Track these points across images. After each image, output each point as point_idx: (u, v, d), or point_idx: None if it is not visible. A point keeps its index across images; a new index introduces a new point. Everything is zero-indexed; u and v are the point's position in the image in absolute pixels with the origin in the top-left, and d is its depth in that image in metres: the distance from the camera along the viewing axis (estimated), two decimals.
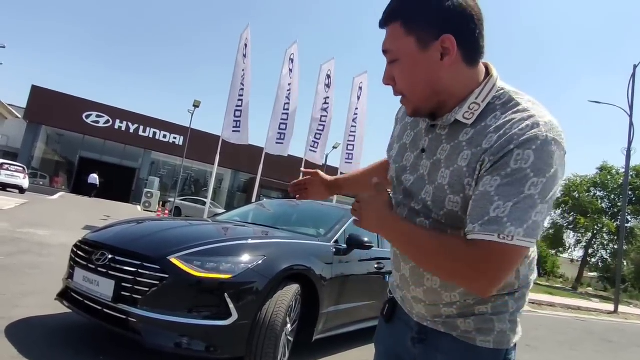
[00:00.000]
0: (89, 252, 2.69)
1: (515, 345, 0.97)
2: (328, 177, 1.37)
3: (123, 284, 2.43)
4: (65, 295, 2.79)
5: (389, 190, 1.05)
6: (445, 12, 0.82)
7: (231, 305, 2.44)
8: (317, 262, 3.12)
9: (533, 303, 12.73)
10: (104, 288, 2.47)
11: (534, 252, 0.99)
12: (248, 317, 2.51)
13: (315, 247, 3.32)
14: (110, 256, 2.54)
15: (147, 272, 2.42)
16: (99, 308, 2.48)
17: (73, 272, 2.73)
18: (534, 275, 1.00)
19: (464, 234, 0.83)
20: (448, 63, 0.84)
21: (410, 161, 0.97)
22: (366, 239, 3.58)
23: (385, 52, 0.89)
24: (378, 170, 1.25)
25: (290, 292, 2.79)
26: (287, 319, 2.76)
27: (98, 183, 24.24)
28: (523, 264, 0.96)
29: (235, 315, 2.44)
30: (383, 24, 0.88)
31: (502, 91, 0.87)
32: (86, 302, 2.56)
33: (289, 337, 2.89)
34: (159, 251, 2.52)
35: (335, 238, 3.55)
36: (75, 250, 2.85)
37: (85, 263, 2.65)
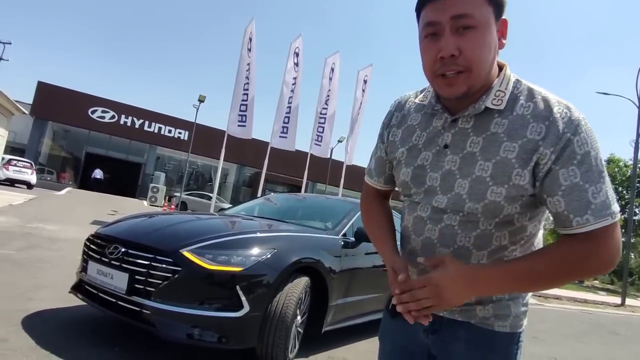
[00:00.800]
0: (102, 246, 2.73)
1: (524, 328, 1.00)
2: (397, 262, 1.00)
3: (136, 277, 2.46)
4: (79, 288, 2.84)
5: (402, 195, 1.05)
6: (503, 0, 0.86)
7: (243, 297, 2.48)
8: (326, 255, 3.15)
9: (539, 296, 12.71)
10: (118, 281, 2.51)
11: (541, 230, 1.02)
12: (259, 309, 2.55)
13: (324, 241, 3.35)
14: (123, 250, 2.58)
15: (160, 265, 2.46)
16: (113, 300, 2.52)
17: (87, 266, 2.78)
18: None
19: (558, 221, 0.85)
20: (502, 45, 0.88)
21: (428, 160, 0.96)
22: None
23: (460, 16, 0.82)
24: (383, 205, 1.18)
25: (300, 285, 2.81)
26: (297, 311, 2.79)
27: (103, 178, 24.44)
28: (539, 243, 1.00)
29: (246, 307, 2.48)
30: None
31: (518, 81, 0.91)
32: (100, 294, 2.60)
33: (299, 329, 2.92)
34: (171, 244, 2.56)
35: (343, 231, 3.57)
36: (88, 244, 2.89)
37: (98, 256, 2.69)
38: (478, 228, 0.92)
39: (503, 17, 0.87)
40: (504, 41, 0.88)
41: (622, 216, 26.69)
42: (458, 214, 0.92)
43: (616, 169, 30.99)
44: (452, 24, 0.82)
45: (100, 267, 2.63)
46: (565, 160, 0.82)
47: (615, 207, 0.83)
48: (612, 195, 0.83)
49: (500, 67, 0.92)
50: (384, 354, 1.16)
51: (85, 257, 2.85)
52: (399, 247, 1.07)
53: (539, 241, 1.00)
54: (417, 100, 1.02)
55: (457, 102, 0.90)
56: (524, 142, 0.84)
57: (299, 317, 2.85)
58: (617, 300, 15.39)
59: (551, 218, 0.88)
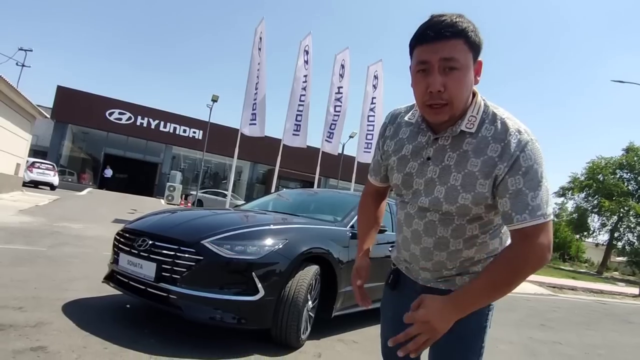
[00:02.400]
0: (131, 239, 3.02)
1: None
2: (361, 263, 1.41)
3: (163, 266, 2.75)
4: (111, 277, 3.14)
5: (395, 194, 1.30)
6: (481, 42, 1.06)
7: (258, 283, 2.74)
8: (335, 246, 3.39)
9: (554, 287, 12.70)
10: (147, 270, 2.80)
11: None
12: (273, 293, 2.81)
13: (333, 232, 3.58)
14: (150, 242, 2.86)
15: (184, 255, 2.73)
16: (143, 287, 2.81)
17: (118, 258, 3.08)
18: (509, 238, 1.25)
19: (504, 219, 1.07)
20: (477, 82, 1.09)
21: (415, 168, 1.18)
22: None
23: (448, 59, 1.01)
24: (374, 206, 1.45)
25: (310, 272, 3.06)
26: (308, 296, 3.04)
27: (111, 176, 25.10)
28: (506, 233, 1.23)
29: (262, 292, 2.74)
30: (451, 37, 1.01)
31: (486, 107, 1.12)
32: (131, 282, 2.90)
33: (310, 313, 3.17)
34: (193, 236, 2.83)
35: (351, 223, 3.79)
36: (118, 238, 3.19)
37: (128, 249, 2.99)
38: (454, 223, 1.16)
39: (479, 59, 1.07)
40: (478, 78, 1.09)
41: None
42: (437, 212, 1.16)
43: (635, 158, 30.32)
44: (440, 64, 1.02)
45: (131, 258, 2.93)
46: (513, 171, 1.03)
47: (548, 210, 1.03)
48: (546, 201, 1.03)
49: (474, 95, 1.12)
50: (385, 321, 1.43)
51: (116, 249, 3.15)
52: (387, 226, 1.31)
53: (505, 229, 1.22)
54: (407, 118, 1.23)
55: (439, 124, 1.13)
56: (485, 158, 1.07)
57: (310, 302, 3.10)
58: (636, 290, 15.20)
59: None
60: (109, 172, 24.84)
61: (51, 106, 25.71)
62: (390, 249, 4.19)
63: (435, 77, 1.02)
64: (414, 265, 1.28)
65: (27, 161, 17.57)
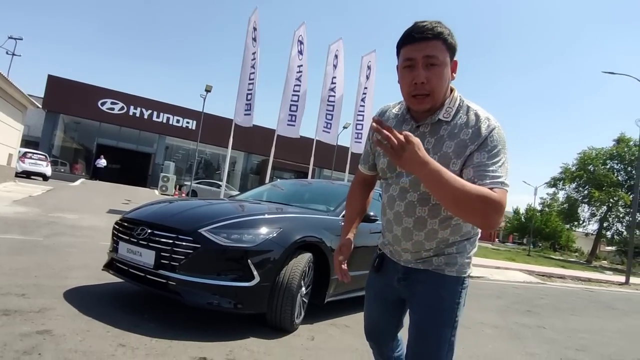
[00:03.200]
0: (130, 228, 3.12)
1: (469, 275, 1.41)
2: (344, 241, 1.54)
3: (162, 254, 2.85)
4: (111, 265, 3.24)
5: (382, 179, 1.46)
6: (456, 45, 1.26)
7: (254, 270, 2.86)
8: (327, 234, 3.51)
9: (543, 275, 13.00)
10: (146, 257, 2.90)
11: None
12: (268, 279, 2.93)
13: (326, 221, 3.70)
14: (149, 231, 2.96)
15: (182, 243, 2.84)
16: (143, 274, 2.92)
17: (117, 246, 3.17)
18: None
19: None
20: (453, 78, 1.30)
21: None
22: (372, 213, 3.93)
23: (430, 57, 1.21)
24: (362, 194, 1.61)
25: (303, 260, 3.19)
26: (302, 283, 3.17)
27: (104, 166, 24.80)
28: None
29: (257, 278, 2.86)
30: (432, 38, 1.20)
31: (461, 100, 1.32)
32: (131, 270, 3.00)
33: (304, 299, 3.30)
34: (191, 225, 2.93)
35: (343, 212, 3.90)
36: (117, 227, 3.28)
37: (127, 237, 3.08)
38: (430, 202, 1.32)
39: (455, 59, 1.27)
40: (454, 75, 1.29)
41: (631, 196, 26.62)
42: (416, 192, 1.33)
43: (626, 149, 30.73)
44: (423, 61, 1.22)
45: (130, 246, 3.02)
46: (480, 149, 1.22)
47: (506, 181, 1.19)
48: (505, 174, 1.20)
49: (451, 90, 1.32)
50: (368, 300, 1.59)
51: (115, 238, 3.24)
52: (379, 217, 1.46)
53: None
54: (394, 111, 1.42)
55: (421, 114, 1.32)
56: (458, 141, 1.25)
57: (303, 288, 3.23)
58: (623, 279, 15.54)
59: None
60: (101, 162, 24.57)
61: (42, 96, 25.43)
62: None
63: (419, 72, 1.22)
64: (396, 246, 1.43)
65: (19, 151, 17.45)
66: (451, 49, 1.24)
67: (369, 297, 1.58)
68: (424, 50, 1.20)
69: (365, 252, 3.99)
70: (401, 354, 1.62)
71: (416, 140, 1.08)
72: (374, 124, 1.12)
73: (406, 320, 1.51)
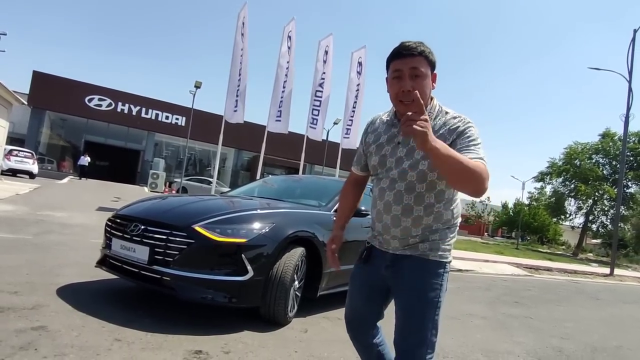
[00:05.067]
0: (123, 225, 3.13)
1: (450, 262, 1.59)
2: (336, 233, 1.79)
3: (156, 249, 2.88)
4: (104, 262, 3.25)
5: (373, 175, 1.66)
6: (435, 61, 1.51)
7: (247, 264, 2.90)
8: (319, 229, 3.56)
9: (530, 268, 13.25)
10: (140, 253, 2.92)
11: (459, 199, 1.61)
12: (262, 274, 2.98)
13: (318, 216, 3.75)
14: (142, 227, 2.98)
15: (176, 239, 2.87)
16: (137, 270, 2.94)
17: (110, 243, 3.18)
18: (460, 216, 1.64)
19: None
20: (433, 87, 1.53)
21: (389, 151, 1.57)
22: (363, 208, 3.99)
23: (414, 68, 1.45)
24: (354, 192, 1.83)
25: (296, 254, 3.24)
26: (295, 277, 3.22)
27: (87, 164, 24.03)
28: (457, 207, 1.60)
29: (251, 273, 2.90)
30: (416, 54, 1.45)
31: (440, 106, 1.57)
32: (124, 266, 3.02)
33: (297, 292, 3.36)
34: (184, 221, 2.96)
35: (335, 207, 3.96)
36: (110, 223, 3.29)
37: (121, 234, 3.10)
38: (415, 191, 1.52)
39: (435, 72, 1.51)
40: (434, 84, 1.53)
41: (614, 188, 27.17)
42: (404, 181, 1.52)
43: (610, 143, 31.31)
44: (409, 72, 1.45)
45: (124, 242, 3.04)
46: (460, 138, 1.47)
47: (484, 157, 1.43)
48: (482, 154, 1.43)
49: (431, 99, 1.56)
50: (352, 290, 1.72)
51: (108, 235, 3.25)
52: (369, 210, 1.71)
53: (457, 205, 1.60)
54: (384, 118, 1.66)
55: None
56: (439, 136, 1.43)
57: (296, 282, 3.28)
58: (608, 270, 15.89)
59: None
60: (84, 160, 23.53)
61: (27, 92, 24.97)
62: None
63: (406, 81, 1.45)
64: (386, 235, 1.58)
65: (5, 149, 17.16)
66: (432, 64, 1.49)
67: (354, 287, 1.71)
68: (410, 64, 1.44)
69: (357, 246, 4.05)
70: (380, 340, 1.74)
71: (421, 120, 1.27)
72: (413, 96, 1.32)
73: (390, 311, 1.61)
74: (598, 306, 7.56)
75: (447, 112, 1.54)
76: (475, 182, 1.35)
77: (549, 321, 5.16)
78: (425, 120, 1.25)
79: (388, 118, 1.63)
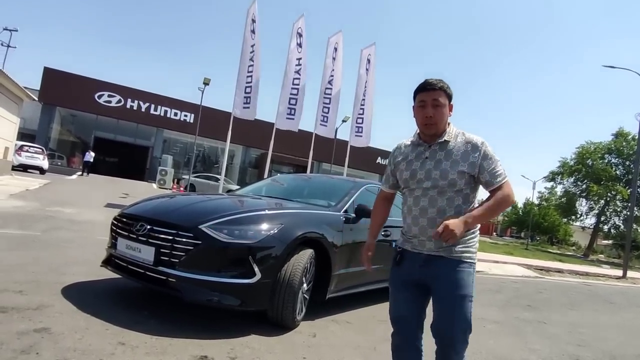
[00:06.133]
0: (129, 224, 3.07)
1: (476, 262, 1.89)
2: (370, 242, 2.15)
3: (162, 250, 2.81)
4: (109, 262, 3.20)
5: (403, 188, 1.96)
6: (452, 94, 1.88)
7: (255, 267, 2.82)
8: (329, 230, 3.47)
9: (541, 269, 13.03)
10: (145, 254, 2.85)
11: (477, 199, 1.91)
12: (270, 276, 2.89)
13: (327, 217, 3.66)
14: (148, 227, 2.91)
15: (182, 240, 2.79)
16: (142, 271, 2.87)
17: (116, 242, 3.13)
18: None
19: (486, 186, 1.83)
20: (450, 115, 1.90)
21: (418, 166, 1.88)
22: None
23: (435, 100, 1.82)
24: (384, 208, 2.17)
25: (305, 256, 3.15)
26: (304, 279, 3.13)
27: (92, 160, 23.35)
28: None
29: (258, 275, 2.82)
30: (437, 89, 1.82)
31: (456, 129, 1.91)
32: (130, 266, 2.96)
33: (305, 295, 3.27)
34: (191, 221, 2.89)
35: (344, 208, 3.87)
36: (116, 222, 3.23)
37: (126, 233, 3.03)
38: (447, 195, 1.82)
39: (451, 103, 1.89)
40: (451, 113, 1.89)
41: (629, 190, 26.68)
42: (436, 189, 1.82)
43: (624, 143, 30.71)
44: (431, 102, 1.83)
45: (129, 242, 2.98)
46: (483, 159, 1.82)
47: (504, 172, 1.84)
48: (503, 169, 1.84)
49: (449, 124, 1.90)
50: (393, 291, 1.94)
51: (114, 234, 3.19)
52: (400, 221, 2.00)
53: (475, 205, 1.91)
54: (407, 142, 1.98)
55: (430, 138, 1.88)
56: (462, 152, 1.84)
57: (305, 285, 3.20)
58: (620, 272, 15.59)
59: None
60: (89, 156, 23.01)
61: (38, 88, 25.18)
62: (382, 233, 4.29)
63: (429, 109, 1.84)
64: (422, 237, 1.84)
65: (16, 144, 17.32)
66: (449, 96, 1.87)
67: (394, 288, 1.94)
68: (432, 96, 1.83)
69: (361, 247, 3.86)
70: (422, 347, 1.92)
71: (449, 223, 1.66)
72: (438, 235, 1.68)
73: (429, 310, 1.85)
74: (612, 310, 7.37)
75: (463, 133, 1.90)
76: (505, 207, 1.89)
77: (564, 326, 5.02)
78: (453, 231, 1.64)
79: (413, 139, 1.96)
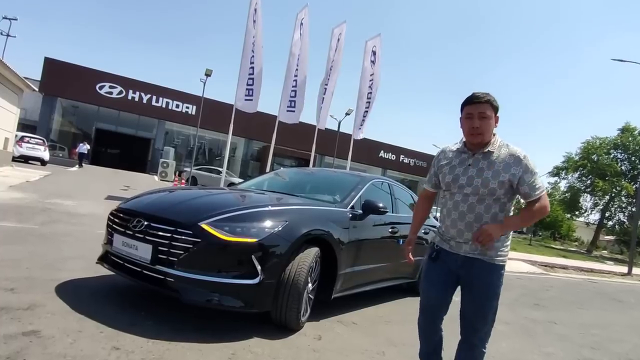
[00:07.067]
0: (126, 220, 2.91)
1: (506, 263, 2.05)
2: (412, 237, 2.34)
3: (159, 248, 2.65)
4: (105, 259, 3.05)
5: (445, 190, 2.11)
6: (498, 107, 2.01)
7: (257, 266, 2.66)
8: (335, 227, 3.30)
9: (545, 266, 12.88)
10: (143, 252, 2.70)
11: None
12: (273, 276, 2.73)
13: (333, 213, 3.49)
14: (146, 223, 2.75)
15: (181, 237, 2.63)
16: (139, 270, 2.72)
17: (112, 238, 2.97)
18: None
19: (524, 197, 1.99)
20: (496, 126, 2.03)
21: (461, 172, 2.03)
22: (381, 205, 3.73)
23: (482, 112, 1.96)
24: (426, 206, 2.36)
25: (310, 255, 2.99)
26: (309, 279, 2.98)
27: (86, 152, 22.92)
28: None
29: (261, 275, 2.66)
30: (483, 102, 1.96)
31: (501, 140, 2.04)
32: (126, 264, 2.80)
33: (310, 295, 3.11)
34: (190, 218, 2.72)
35: (351, 204, 3.71)
36: (112, 218, 3.08)
37: (123, 229, 2.87)
38: (485, 202, 1.97)
39: (497, 115, 2.01)
40: (497, 124, 2.02)
41: (634, 186, 26.38)
42: (476, 195, 1.98)
43: (630, 138, 30.36)
44: (478, 114, 1.97)
45: (125, 239, 2.82)
46: (524, 172, 1.95)
47: (542, 186, 1.99)
48: (541, 182, 1.99)
49: (494, 135, 2.02)
50: (426, 284, 2.14)
51: (110, 230, 3.04)
52: (437, 221, 2.27)
53: (509, 213, 2.05)
54: (453, 148, 2.13)
55: (475, 147, 2.02)
56: (505, 163, 1.97)
57: (310, 285, 3.04)
58: (624, 269, 15.46)
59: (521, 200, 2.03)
60: (83, 147, 22.41)
61: (39, 79, 24.98)
62: (390, 230, 4.14)
63: (475, 121, 1.97)
64: (459, 239, 2.01)
65: (16, 135, 17.17)
66: (495, 109, 2.00)
67: (428, 281, 2.14)
68: (478, 109, 1.97)
69: (368, 245, 3.78)
70: (442, 332, 2.18)
71: (487, 228, 1.89)
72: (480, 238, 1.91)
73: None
74: (621, 309, 7.23)
75: (507, 145, 2.02)
76: (540, 218, 2.06)
77: (575, 327, 4.87)
78: (491, 235, 1.87)
79: (459, 146, 2.10)
